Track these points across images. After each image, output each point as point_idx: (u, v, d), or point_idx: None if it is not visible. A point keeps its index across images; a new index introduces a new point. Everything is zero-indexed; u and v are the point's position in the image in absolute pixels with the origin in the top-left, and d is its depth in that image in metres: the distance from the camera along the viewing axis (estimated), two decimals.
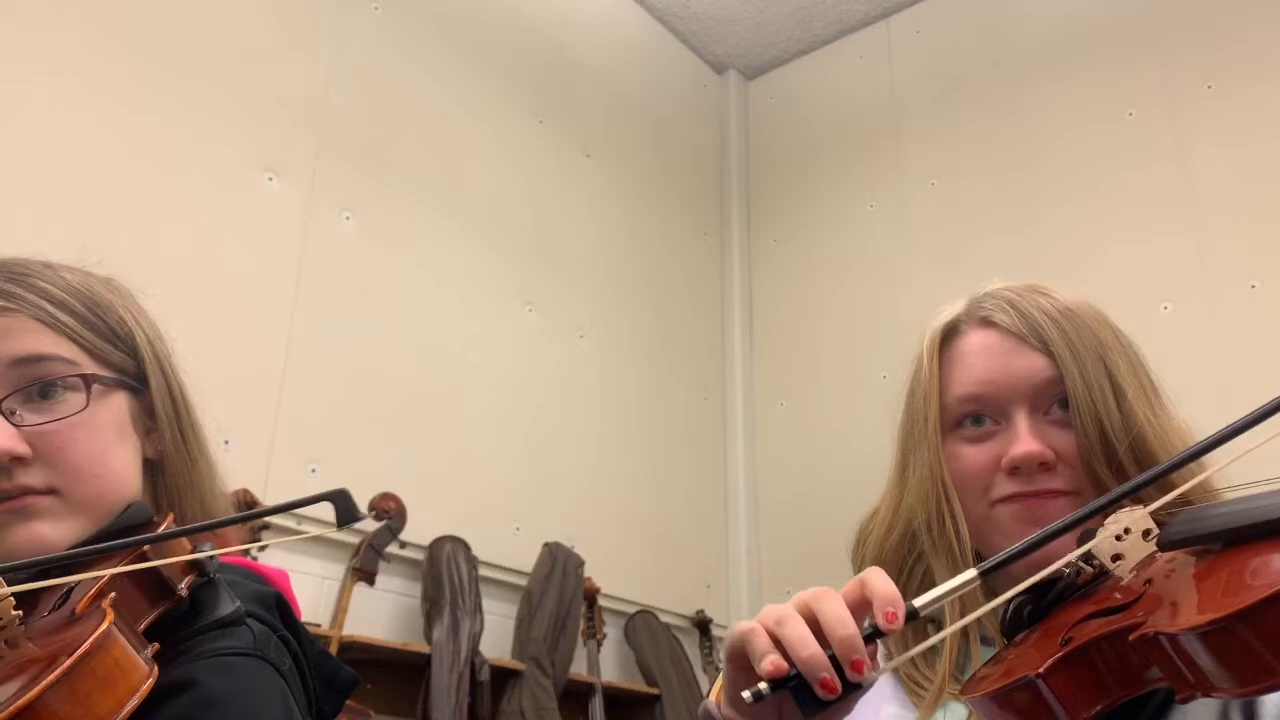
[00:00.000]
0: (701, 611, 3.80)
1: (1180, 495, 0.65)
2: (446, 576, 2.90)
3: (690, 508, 3.99)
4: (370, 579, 2.75)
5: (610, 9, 4.36)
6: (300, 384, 2.83)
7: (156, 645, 0.72)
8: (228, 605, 0.79)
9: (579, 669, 3.21)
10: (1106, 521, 0.69)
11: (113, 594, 0.72)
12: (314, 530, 0.72)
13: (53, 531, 0.82)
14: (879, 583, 0.66)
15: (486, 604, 2.97)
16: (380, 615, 2.88)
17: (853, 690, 0.64)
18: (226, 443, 2.65)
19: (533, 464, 3.42)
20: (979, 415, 0.94)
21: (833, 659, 0.64)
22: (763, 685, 0.65)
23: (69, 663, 0.63)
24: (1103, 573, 0.71)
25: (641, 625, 3.51)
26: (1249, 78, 3.44)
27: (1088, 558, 0.71)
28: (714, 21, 4.59)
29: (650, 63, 4.50)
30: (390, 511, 2.82)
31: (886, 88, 4.40)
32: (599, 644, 3.29)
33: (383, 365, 3.07)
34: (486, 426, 3.31)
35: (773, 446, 4.23)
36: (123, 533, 0.81)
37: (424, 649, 2.77)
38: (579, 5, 4.21)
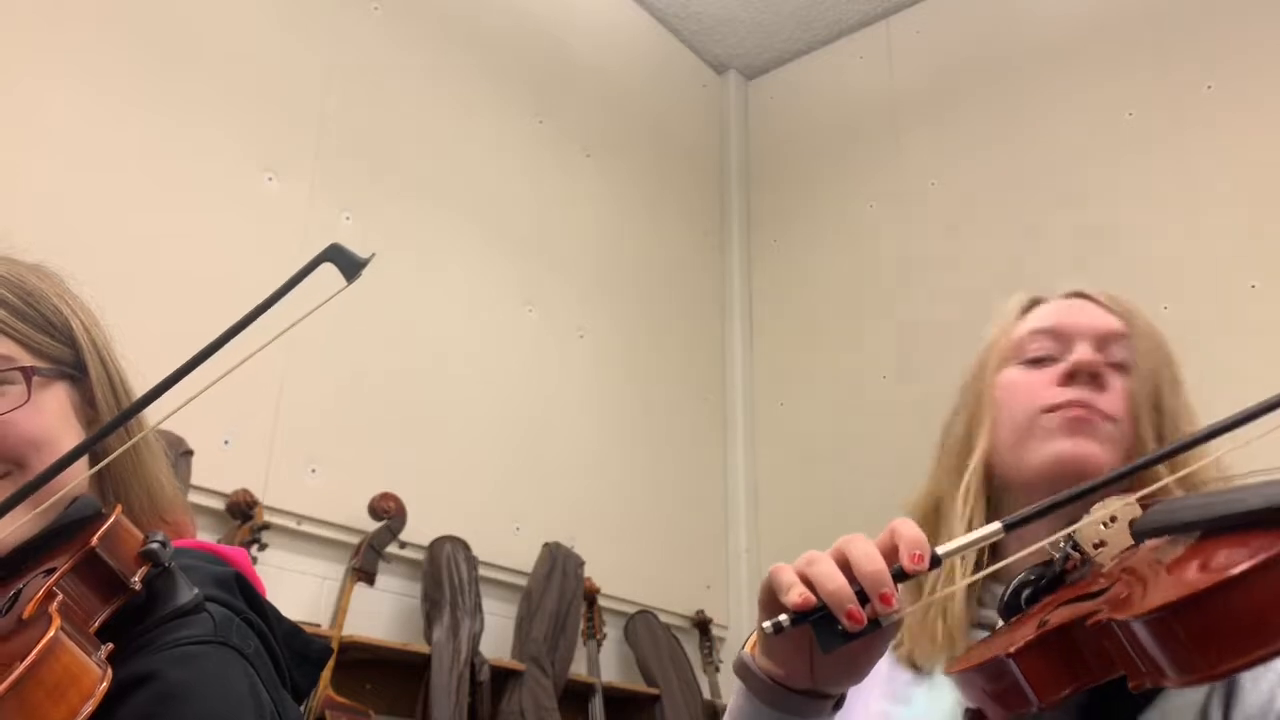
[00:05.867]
0: (701, 611, 3.80)
1: (1161, 487, 0.67)
2: (446, 576, 2.90)
3: (690, 508, 3.99)
4: (370, 579, 2.75)
5: (610, 9, 4.36)
6: (300, 384, 2.83)
7: (111, 646, 0.71)
8: (185, 593, 0.77)
9: (579, 669, 3.20)
10: (1094, 508, 0.71)
11: (60, 596, 0.70)
12: (321, 299, 0.64)
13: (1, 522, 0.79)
14: (906, 528, 0.70)
15: (486, 604, 2.97)
16: (380, 615, 2.88)
17: (874, 628, 0.66)
18: (226, 442, 2.65)
19: (533, 464, 3.42)
20: (1041, 358, 0.98)
21: (860, 595, 0.66)
22: (783, 616, 0.67)
23: (15, 675, 0.61)
24: (1086, 559, 0.72)
25: (641, 625, 3.51)
26: (1249, 78, 3.43)
27: (1074, 544, 0.72)
28: (714, 21, 4.59)
29: (650, 63, 4.50)
30: (390, 511, 2.82)
31: (886, 88, 4.40)
32: (599, 644, 3.29)
33: (382, 365, 3.07)
34: (486, 426, 3.31)
35: (773, 446, 4.23)
36: (71, 528, 0.79)
37: (424, 649, 2.77)
38: (579, 5, 4.21)
